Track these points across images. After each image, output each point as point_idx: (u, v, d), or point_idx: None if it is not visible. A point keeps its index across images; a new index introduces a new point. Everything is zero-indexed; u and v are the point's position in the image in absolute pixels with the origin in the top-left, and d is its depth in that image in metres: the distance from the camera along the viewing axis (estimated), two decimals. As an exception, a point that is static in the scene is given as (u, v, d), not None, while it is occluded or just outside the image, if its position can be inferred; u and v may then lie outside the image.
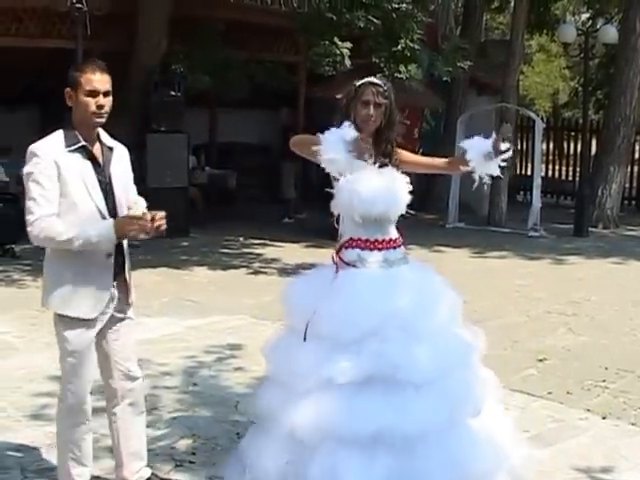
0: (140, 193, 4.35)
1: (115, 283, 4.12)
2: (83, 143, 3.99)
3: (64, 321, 4.04)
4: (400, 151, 4.46)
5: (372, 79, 4.36)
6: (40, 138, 4.08)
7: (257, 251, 12.69)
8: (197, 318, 8.35)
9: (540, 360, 7.10)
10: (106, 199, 4.03)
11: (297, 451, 4.02)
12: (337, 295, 4.11)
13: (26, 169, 3.95)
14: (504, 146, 4.24)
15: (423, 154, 16.04)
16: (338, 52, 12.47)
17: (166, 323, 8.13)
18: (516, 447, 4.38)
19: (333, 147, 4.05)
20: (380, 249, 4.28)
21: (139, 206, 4.11)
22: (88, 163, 4.00)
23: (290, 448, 4.04)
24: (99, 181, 4.02)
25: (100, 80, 3.96)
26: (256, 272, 10.99)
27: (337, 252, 4.32)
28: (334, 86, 11.95)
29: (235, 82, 14.44)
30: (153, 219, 3.82)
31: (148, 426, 5.31)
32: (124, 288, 4.20)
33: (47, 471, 4.65)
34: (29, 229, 3.88)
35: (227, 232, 14.04)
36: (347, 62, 12.52)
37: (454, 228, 15.56)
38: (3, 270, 10.47)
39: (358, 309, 4.05)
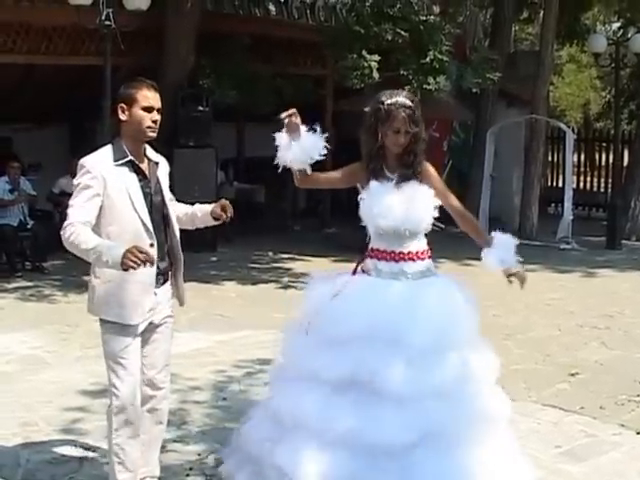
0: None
1: (158, 291, 4.27)
2: (130, 158, 4.15)
3: (106, 325, 4.21)
4: (431, 172, 4.44)
5: (403, 100, 4.28)
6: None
7: (286, 265, 12.67)
8: (226, 333, 8.35)
9: (572, 374, 7.03)
10: (151, 211, 4.21)
11: (278, 430, 4.26)
12: (341, 296, 4.24)
13: (75, 180, 4.14)
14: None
15: (452, 166, 15.98)
16: (366, 65, 12.45)
17: (196, 338, 8.12)
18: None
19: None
20: (397, 260, 4.36)
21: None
22: (134, 176, 4.18)
23: (272, 427, 4.31)
24: (144, 194, 4.19)
25: (155, 97, 4.20)
26: (286, 287, 10.95)
27: (360, 260, 4.46)
28: (362, 99, 11.94)
29: (262, 96, 14.46)
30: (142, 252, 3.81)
31: (178, 441, 5.39)
32: (168, 295, 4.38)
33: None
34: (62, 232, 3.99)
35: (256, 247, 14.04)
36: (375, 75, 12.49)
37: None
38: (34, 285, 10.54)
39: (350, 312, 4.17)
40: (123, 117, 4.17)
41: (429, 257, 4.45)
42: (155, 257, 4.14)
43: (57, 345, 7.74)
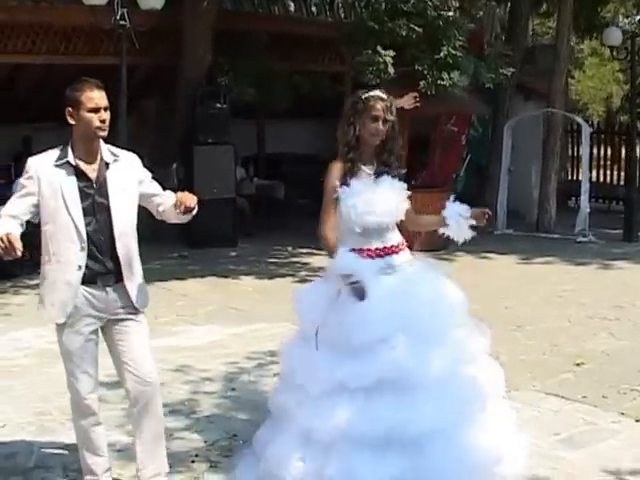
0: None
1: (109, 289, 4.33)
2: (68, 159, 4.23)
3: (55, 325, 4.37)
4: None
5: (379, 93, 4.48)
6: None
7: (304, 260, 12.75)
8: (241, 326, 8.48)
9: (578, 364, 7.09)
10: (93, 211, 4.26)
11: (313, 450, 4.21)
12: (346, 304, 4.22)
13: (20, 178, 4.33)
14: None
15: (470, 160, 15.90)
16: (381, 60, 12.52)
17: (210, 331, 8.30)
18: (516, 442, 4.47)
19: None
20: (382, 256, 4.44)
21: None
22: (72, 178, 4.24)
23: (305, 446, 4.24)
24: (84, 195, 4.24)
25: (100, 96, 4.22)
26: (302, 280, 11.03)
27: None
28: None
29: (279, 93, 14.59)
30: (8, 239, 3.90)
31: (186, 429, 5.54)
32: (124, 294, 4.38)
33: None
34: None
35: (275, 242, 14.16)
36: (390, 70, 12.57)
37: (502, 234, 15.48)
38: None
39: (367, 317, 4.18)
40: (72, 121, 4.23)
41: (407, 246, 4.57)
42: (84, 258, 4.21)
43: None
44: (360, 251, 4.41)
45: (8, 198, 4.33)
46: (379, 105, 4.40)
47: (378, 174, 4.49)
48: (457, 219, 4.44)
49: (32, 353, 7.54)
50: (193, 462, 5.03)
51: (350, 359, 4.20)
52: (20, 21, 12.39)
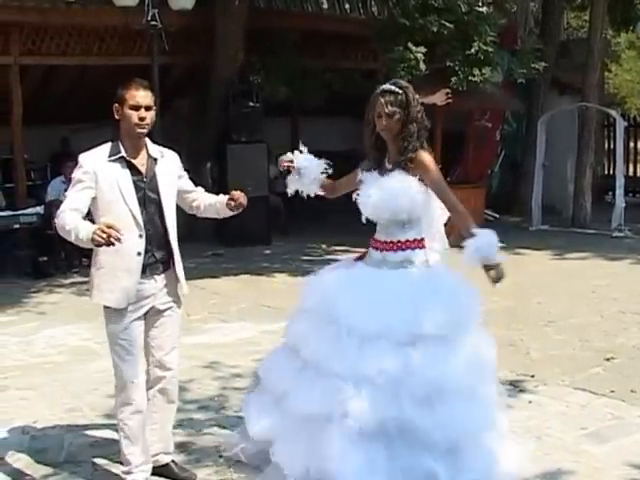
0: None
1: (157, 278, 4.56)
2: (122, 154, 4.45)
3: (105, 310, 4.55)
4: (425, 162, 4.45)
5: (385, 86, 4.46)
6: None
7: (339, 257, 12.69)
8: (273, 323, 8.47)
9: (608, 359, 7.05)
10: (144, 204, 4.48)
11: None
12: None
13: (72, 174, 4.51)
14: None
15: (505, 156, 15.81)
16: (412, 57, 12.51)
17: (242, 328, 8.37)
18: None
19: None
20: (380, 250, 4.53)
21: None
22: (127, 172, 4.46)
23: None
24: (137, 188, 4.46)
25: (142, 96, 4.47)
26: (335, 277, 11.06)
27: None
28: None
29: (312, 91, 14.62)
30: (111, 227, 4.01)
31: (215, 424, 5.60)
32: (172, 282, 4.63)
33: (115, 466, 4.92)
34: (55, 219, 4.33)
35: (309, 239, 14.17)
36: (422, 66, 12.56)
37: (538, 230, 15.38)
38: (86, 281, 10.85)
39: (312, 290, 4.66)
40: (117, 116, 4.48)
41: (420, 247, 4.49)
42: (142, 245, 4.44)
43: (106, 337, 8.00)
44: (372, 239, 4.63)
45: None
46: (381, 100, 4.40)
47: (391, 167, 4.49)
48: (472, 249, 4.26)
49: (65, 350, 7.68)
50: (221, 457, 5.10)
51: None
52: (53, 23, 12.54)
